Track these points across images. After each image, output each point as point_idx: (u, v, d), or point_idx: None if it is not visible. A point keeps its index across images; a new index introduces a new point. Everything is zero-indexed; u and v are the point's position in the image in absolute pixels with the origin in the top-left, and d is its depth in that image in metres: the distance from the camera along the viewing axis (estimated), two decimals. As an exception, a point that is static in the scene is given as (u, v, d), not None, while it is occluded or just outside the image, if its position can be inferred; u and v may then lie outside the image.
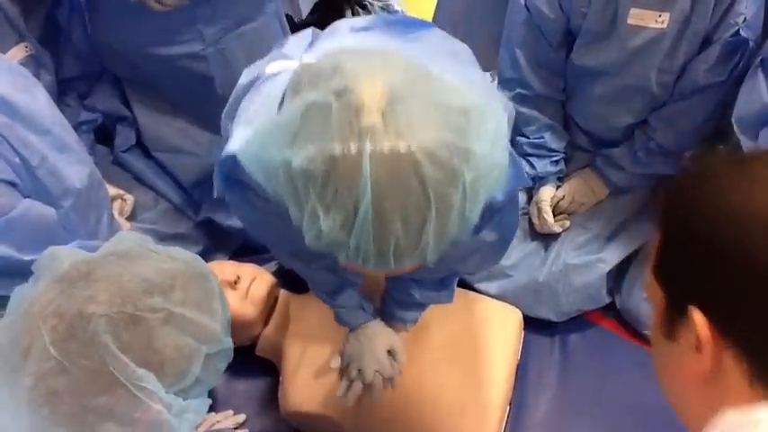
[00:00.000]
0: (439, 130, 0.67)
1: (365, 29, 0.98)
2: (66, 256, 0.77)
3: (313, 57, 0.85)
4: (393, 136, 0.65)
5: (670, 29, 1.33)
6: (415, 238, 0.68)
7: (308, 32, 1.05)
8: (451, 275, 1.27)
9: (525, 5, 1.46)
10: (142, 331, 0.71)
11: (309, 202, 0.68)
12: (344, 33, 0.99)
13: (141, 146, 1.71)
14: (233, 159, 0.90)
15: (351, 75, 0.68)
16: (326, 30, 1.06)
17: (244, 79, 1.01)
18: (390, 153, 0.65)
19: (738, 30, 1.31)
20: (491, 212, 1.02)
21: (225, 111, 1.05)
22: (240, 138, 0.87)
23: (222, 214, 1.66)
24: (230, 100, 1.04)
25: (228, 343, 0.80)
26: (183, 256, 0.81)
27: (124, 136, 1.69)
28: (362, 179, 0.64)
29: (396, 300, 1.29)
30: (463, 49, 1.05)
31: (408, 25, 1.01)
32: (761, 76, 1.26)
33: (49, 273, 0.75)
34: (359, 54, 0.75)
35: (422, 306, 1.31)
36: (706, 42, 1.35)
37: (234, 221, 1.67)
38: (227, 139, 1.00)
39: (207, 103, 1.57)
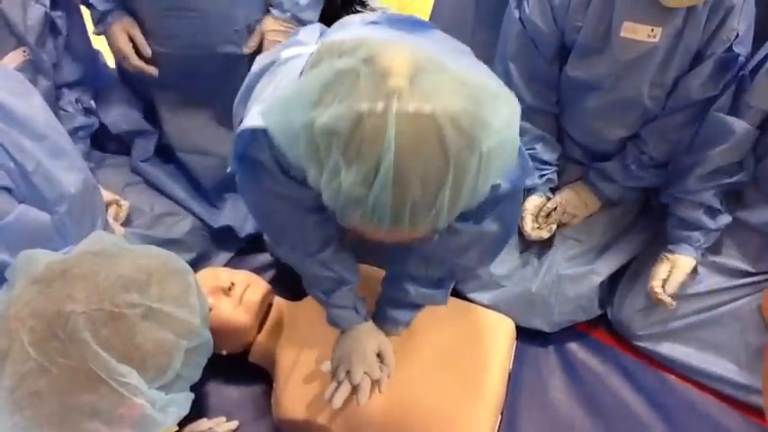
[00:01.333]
0: (461, 99, 0.70)
1: (375, 23, 1.01)
2: (42, 257, 0.77)
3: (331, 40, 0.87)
4: (418, 99, 0.69)
5: (662, 43, 1.34)
6: (430, 200, 0.70)
7: (316, 26, 1.08)
8: (449, 275, 1.28)
9: (519, 18, 1.47)
10: (122, 327, 0.71)
11: (331, 157, 0.70)
12: (357, 25, 1.02)
13: (158, 153, 1.74)
14: (250, 134, 0.92)
15: (378, 45, 0.72)
16: (335, 24, 1.08)
17: (256, 67, 1.03)
18: (415, 114, 0.68)
19: (731, 45, 1.32)
20: (495, 200, 1.04)
21: (237, 98, 1.07)
22: (257, 113, 0.90)
23: (240, 222, 1.69)
24: (243, 87, 1.06)
25: (207, 336, 0.81)
26: (158, 253, 0.82)
27: (142, 147, 1.73)
28: (387, 137, 0.67)
29: (390, 298, 1.30)
30: (467, 49, 1.06)
31: (413, 24, 1.04)
32: None
33: (25, 275, 0.75)
34: (380, 37, 0.79)
35: (416, 307, 1.31)
36: (698, 57, 1.37)
37: (250, 227, 1.69)
38: (237, 125, 1.02)
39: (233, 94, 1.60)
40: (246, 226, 1.71)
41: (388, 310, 1.31)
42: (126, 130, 1.71)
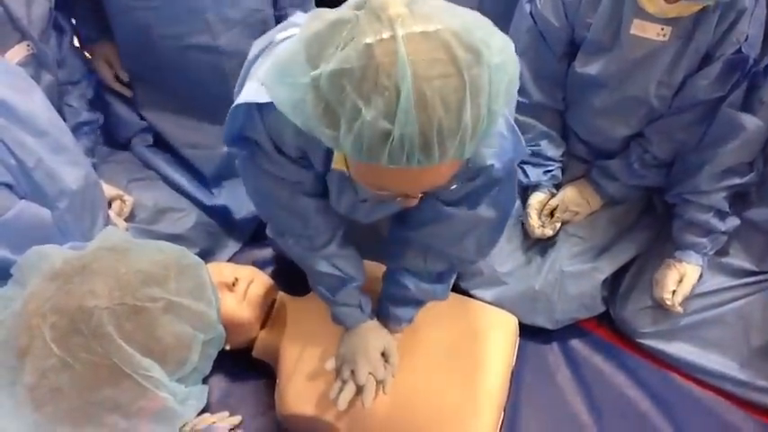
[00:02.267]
0: (459, 19, 0.71)
1: None
2: (56, 253, 0.77)
3: None
4: (421, 21, 0.69)
5: (671, 42, 1.34)
6: (455, 121, 0.69)
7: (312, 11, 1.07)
8: (448, 269, 1.28)
9: (530, 13, 1.47)
10: (144, 321, 0.72)
11: (347, 101, 0.68)
12: None
13: (157, 144, 1.75)
14: (244, 110, 0.92)
15: None
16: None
17: (253, 51, 1.02)
18: (422, 34, 0.68)
19: (740, 47, 1.32)
20: (490, 183, 1.03)
21: (237, 86, 1.06)
22: (252, 89, 0.90)
23: (237, 204, 1.71)
24: (241, 74, 1.05)
25: (221, 329, 0.82)
26: (171, 249, 0.82)
27: (141, 138, 1.74)
28: (400, 61, 0.66)
29: (391, 295, 1.30)
30: None
31: None
32: None
33: (38, 271, 0.75)
34: None
35: (417, 303, 1.31)
36: (707, 58, 1.36)
37: (246, 212, 1.70)
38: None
39: (218, 99, 1.59)
40: (243, 209, 1.72)
41: (389, 307, 1.31)
42: (126, 136, 1.74)
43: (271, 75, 0.76)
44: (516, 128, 0.99)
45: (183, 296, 0.76)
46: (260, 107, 0.92)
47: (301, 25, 0.77)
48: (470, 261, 1.30)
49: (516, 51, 1.57)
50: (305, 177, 1.05)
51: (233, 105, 0.94)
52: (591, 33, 1.41)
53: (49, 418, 0.70)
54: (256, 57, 0.99)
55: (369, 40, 0.68)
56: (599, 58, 1.43)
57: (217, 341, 0.82)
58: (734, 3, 1.28)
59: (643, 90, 1.42)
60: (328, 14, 0.73)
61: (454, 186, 0.83)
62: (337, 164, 0.92)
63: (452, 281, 1.33)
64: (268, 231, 1.42)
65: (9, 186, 0.92)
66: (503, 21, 1.60)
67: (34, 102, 1.02)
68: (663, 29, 1.32)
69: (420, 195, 0.84)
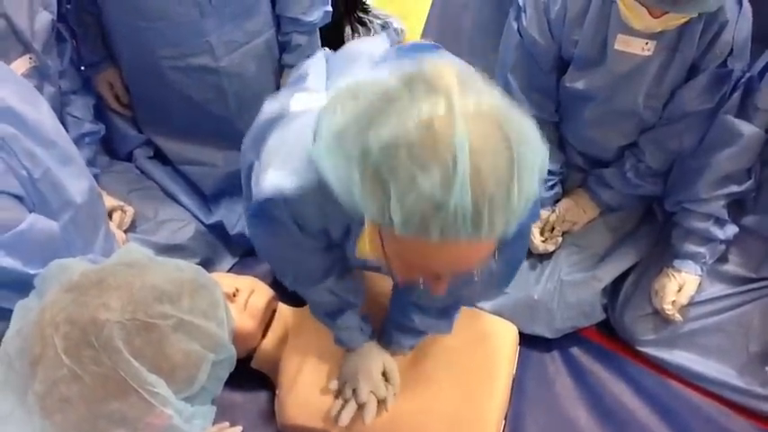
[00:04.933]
0: (502, 98, 0.72)
1: (383, 61, 1.01)
2: (77, 266, 0.78)
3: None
4: (473, 96, 0.70)
5: (656, 56, 1.35)
6: (505, 196, 0.70)
7: (320, 56, 1.07)
8: (453, 305, 1.28)
9: (518, 31, 1.48)
10: (154, 338, 0.72)
11: (401, 170, 0.68)
12: (364, 66, 1.01)
13: (157, 156, 1.77)
14: (269, 199, 0.93)
15: (415, 66, 0.73)
16: (340, 54, 1.07)
17: (266, 112, 1.02)
18: (475, 109, 0.69)
19: (725, 60, 1.34)
20: (503, 242, 1.04)
21: (246, 142, 1.08)
22: (275, 178, 0.91)
23: (232, 220, 1.72)
24: (252, 132, 1.06)
25: (232, 351, 0.82)
26: (189, 267, 0.82)
27: (143, 150, 1.76)
28: (459, 134, 0.67)
29: (396, 324, 1.31)
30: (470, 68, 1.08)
31: (417, 50, 1.04)
32: None
33: (58, 283, 0.76)
34: None
35: (420, 333, 1.32)
36: (693, 70, 1.38)
37: (240, 228, 1.71)
38: (247, 169, 1.03)
39: (219, 120, 1.61)
40: (238, 225, 1.73)
41: (393, 333, 1.32)
42: (126, 150, 1.76)
43: (320, 151, 0.77)
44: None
45: (195, 315, 0.76)
46: (285, 196, 0.93)
47: (336, 98, 0.79)
48: (476, 302, 1.31)
49: (507, 66, 1.60)
50: (320, 243, 1.08)
51: (260, 196, 0.94)
52: (578, 50, 1.43)
53: (57, 428, 0.70)
54: (269, 122, 0.99)
55: (424, 113, 0.69)
56: (587, 73, 1.45)
57: (227, 363, 0.82)
58: (716, 15, 1.30)
59: (632, 102, 1.44)
60: (372, 87, 0.74)
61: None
62: (362, 252, 0.93)
63: (457, 316, 1.34)
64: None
65: (20, 198, 0.92)
66: (494, 36, 1.63)
67: (42, 113, 1.03)
68: (647, 43, 1.34)
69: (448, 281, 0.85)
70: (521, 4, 1.45)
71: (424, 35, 2.08)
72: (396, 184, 0.69)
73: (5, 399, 0.73)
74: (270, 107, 1.03)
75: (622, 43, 1.36)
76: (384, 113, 0.71)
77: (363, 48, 1.06)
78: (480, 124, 0.69)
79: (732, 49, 1.33)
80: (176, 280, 0.77)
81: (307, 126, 0.92)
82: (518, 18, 1.48)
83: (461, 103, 0.69)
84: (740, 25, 1.32)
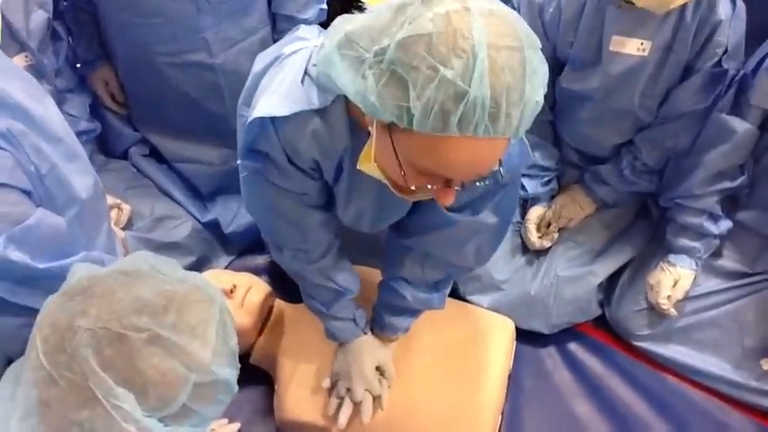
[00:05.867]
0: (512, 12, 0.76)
1: None
2: (80, 270, 0.77)
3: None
4: (486, 2, 0.73)
5: (652, 56, 1.36)
6: (520, 91, 0.72)
7: (314, 26, 1.07)
8: (445, 278, 1.28)
9: None
10: (125, 350, 0.69)
11: (422, 65, 0.70)
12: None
13: (153, 154, 1.77)
14: (258, 124, 0.93)
15: None
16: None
17: (258, 66, 1.03)
18: (489, 12, 0.72)
19: (720, 60, 1.34)
20: (494, 188, 1.04)
21: (242, 98, 1.07)
22: (267, 103, 0.91)
23: (227, 218, 1.72)
24: (246, 86, 1.05)
25: (225, 374, 0.76)
26: (194, 280, 0.78)
27: (138, 148, 1.76)
28: (477, 28, 0.70)
29: (388, 304, 1.30)
30: None
31: None
32: None
33: (64, 285, 0.76)
34: None
35: (414, 312, 1.32)
36: (688, 70, 1.38)
37: (234, 226, 1.70)
38: (243, 123, 1.02)
39: (215, 117, 1.61)
40: (233, 223, 1.73)
41: (385, 316, 1.31)
42: (122, 149, 1.76)
43: (329, 56, 0.79)
44: (524, 137, 1.00)
45: (177, 331, 0.71)
46: (274, 120, 0.93)
47: (334, 26, 0.80)
48: (468, 268, 1.31)
49: None
50: (311, 188, 1.06)
51: (248, 119, 0.95)
52: (573, 51, 1.43)
53: (32, 429, 0.69)
54: (264, 70, 1.00)
55: (443, 9, 0.71)
56: (583, 74, 1.45)
57: (224, 387, 0.77)
58: (710, 15, 1.30)
59: (628, 102, 1.44)
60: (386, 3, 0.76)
61: (480, 184, 0.85)
62: (363, 164, 0.91)
63: (448, 290, 1.34)
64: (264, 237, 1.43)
65: (28, 193, 0.92)
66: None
67: (48, 109, 1.02)
68: (642, 43, 1.34)
69: (458, 188, 0.85)
70: (515, 5, 1.46)
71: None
72: (415, 77, 0.70)
73: (5, 385, 0.74)
74: (263, 59, 1.03)
75: (617, 44, 1.36)
76: (395, 20, 0.73)
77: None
78: (495, 22, 0.71)
79: (726, 49, 1.33)
80: (168, 293, 0.74)
81: (299, 60, 0.93)
82: None
83: (475, 3, 0.72)
84: (734, 25, 1.32)
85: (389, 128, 0.77)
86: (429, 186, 0.82)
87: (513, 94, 0.71)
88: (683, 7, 1.29)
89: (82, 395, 0.69)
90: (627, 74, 1.39)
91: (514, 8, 1.46)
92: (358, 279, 1.28)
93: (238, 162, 1.04)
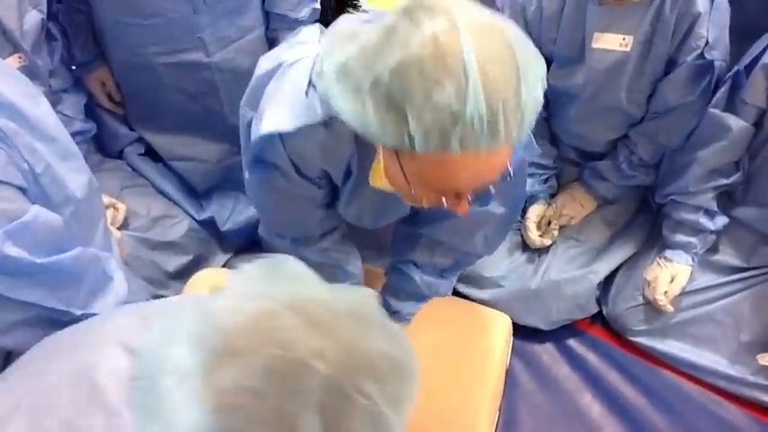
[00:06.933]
0: (498, 16, 0.76)
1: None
2: (313, 289, 0.69)
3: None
4: (472, 13, 0.74)
5: (634, 51, 1.36)
6: (515, 97, 0.72)
7: (315, 26, 1.08)
8: (453, 265, 1.29)
9: None
10: (345, 410, 0.63)
11: (417, 89, 0.71)
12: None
13: (148, 153, 1.77)
14: (266, 139, 0.94)
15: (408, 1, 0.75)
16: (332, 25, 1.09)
17: (263, 67, 1.03)
18: (476, 22, 0.73)
19: (702, 52, 1.34)
20: (502, 180, 1.05)
21: (245, 99, 1.07)
22: (273, 118, 0.92)
23: (223, 216, 1.72)
24: (250, 87, 1.06)
25: None
26: (405, 344, 0.71)
27: (133, 148, 1.76)
28: (465, 45, 0.70)
29: (394, 289, 1.31)
30: None
31: None
32: None
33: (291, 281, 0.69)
34: None
35: (420, 298, 1.32)
36: (672, 63, 1.39)
37: (231, 224, 1.70)
38: (246, 127, 1.03)
39: (211, 115, 1.61)
40: (229, 221, 1.73)
41: (391, 302, 1.32)
42: (117, 149, 1.76)
43: (328, 87, 0.79)
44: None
45: (389, 404, 0.65)
46: (281, 133, 0.93)
47: (330, 42, 0.80)
48: (477, 255, 1.32)
49: None
50: (317, 193, 1.08)
51: (254, 136, 0.95)
52: (557, 49, 1.44)
53: (212, 427, 0.62)
54: (265, 76, 1.00)
55: (428, 32, 0.71)
56: (569, 71, 1.45)
57: None
58: (688, 7, 1.30)
59: (615, 99, 1.45)
60: (376, 24, 0.76)
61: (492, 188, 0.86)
62: (375, 181, 0.93)
63: (455, 278, 1.35)
64: (261, 231, 1.43)
65: (23, 190, 0.93)
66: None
67: (42, 108, 1.02)
68: (624, 38, 1.35)
69: (469, 198, 0.86)
70: (499, 6, 1.46)
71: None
72: (411, 103, 0.71)
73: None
74: (266, 62, 1.03)
75: (600, 41, 1.37)
76: (388, 43, 0.73)
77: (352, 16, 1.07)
78: (483, 35, 0.72)
79: (707, 42, 1.33)
80: (391, 355, 0.67)
81: (302, 71, 0.93)
82: None
83: (462, 18, 0.71)
84: (714, 17, 1.32)
85: (395, 150, 0.78)
86: (442, 198, 0.83)
87: (510, 102, 0.72)
88: (662, 1, 1.30)
89: (276, 425, 0.62)
90: (611, 69, 1.40)
91: (498, 9, 1.47)
92: (360, 264, 1.28)
93: (245, 175, 1.05)
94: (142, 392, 0.65)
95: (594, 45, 1.37)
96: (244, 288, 0.68)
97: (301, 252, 1.22)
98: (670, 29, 1.33)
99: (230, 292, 0.67)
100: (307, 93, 0.91)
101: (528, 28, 1.44)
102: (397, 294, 1.31)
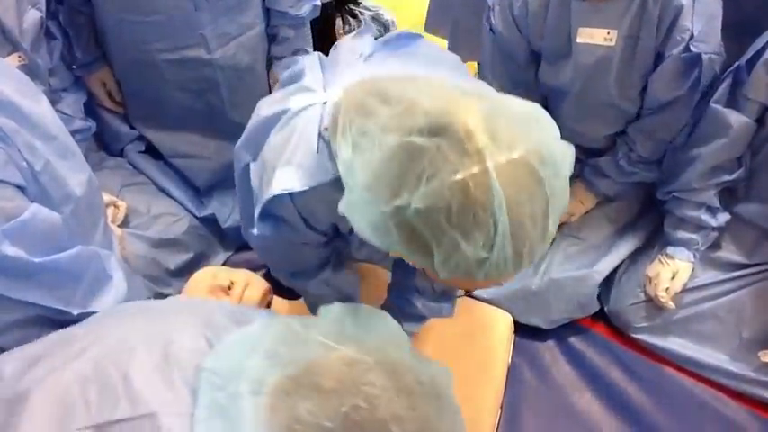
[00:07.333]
0: (530, 134, 0.72)
1: (370, 56, 1.00)
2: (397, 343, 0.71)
3: (340, 92, 0.86)
4: (506, 149, 0.69)
5: (619, 45, 1.36)
6: (542, 233, 0.72)
7: (315, 62, 1.05)
8: (453, 289, 1.29)
9: (490, 28, 1.49)
10: None
11: (445, 236, 0.69)
12: (353, 63, 1.00)
13: (149, 151, 1.77)
14: (278, 199, 0.93)
15: (437, 109, 0.71)
16: (332, 55, 1.06)
17: (263, 111, 1.00)
18: (508, 164, 0.68)
19: (688, 45, 1.32)
20: None
21: (242, 141, 1.06)
22: (283, 178, 0.90)
23: (224, 213, 1.72)
24: (248, 130, 1.04)
25: None
26: (463, 428, 0.73)
27: (134, 145, 1.76)
28: (496, 195, 0.67)
29: (397, 309, 1.31)
30: (452, 57, 1.08)
31: (400, 38, 1.04)
32: None
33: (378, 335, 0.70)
34: (407, 84, 0.78)
35: (421, 318, 1.33)
36: (660, 58, 1.37)
37: (232, 221, 1.71)
38: (241, 170, 1.03)
39: (212, 111, 1.62)
40: (230, 218, 1.73)
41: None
42: (118, 147, 1.76)
43: (349, 201, 0.76)
44: None
45: None
46: (292, 194, 0.93)
47: (333, 120, 0.79)
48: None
49: (486, 65, 1.61)
50: (323, 239, 1.08)
51: (264, 196, 0.94)
52: (544, 44, 1.43)
53: (261, 427, 0.63)
54: (269, 121, 0.98)
55: (460, 176, 0.68)
56: (558, 67, 1.45)
57: None
58: (671, 1, 1.29)
59: (606, 94, 1.44)
60: (396, 139, 0.71)
61: None
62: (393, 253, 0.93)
63: (456, 297, 1.34)
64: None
65: (22, 189, 0.93)
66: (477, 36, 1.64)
67: (42, 107, 1.02)
68: (609, 33, 1.34)
69: None
70: (489, 3, 1.46)
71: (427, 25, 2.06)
72: (438, 248, 0.70)
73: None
74: (267, 107, 1.01)
75: (585, 36, 1.36)
76: (413, 173, 0.69)
77: (350, 46, 1.05)
78: (514, 173, 0.69)
79: (692, 34, 1.31)
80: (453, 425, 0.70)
81: (311, 124, 0.91)
82: (489, 17, 1.48)
83: (495, 160, 0.68)
84: (698, 9, 1.31)
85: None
86: None
87: (536, 240, 0.72)
88: None
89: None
90: (598, 64, 1.39)
91: (490, 8, 1.46)
92: (358, 283, 1.29)
93: (253, 231, 1.03)
94: (212, 386, 0.66)
95: (579, 40, 1.37)
96: (332, 327, 0.70)
97: (305, 286, 1.24)
98: (654, 22, 1.32)
99: (320, 328, 0.69)
100: (317, 148, 0.89)
101: (517, 26, 1.44)
102: (399, 314, 1.31)
